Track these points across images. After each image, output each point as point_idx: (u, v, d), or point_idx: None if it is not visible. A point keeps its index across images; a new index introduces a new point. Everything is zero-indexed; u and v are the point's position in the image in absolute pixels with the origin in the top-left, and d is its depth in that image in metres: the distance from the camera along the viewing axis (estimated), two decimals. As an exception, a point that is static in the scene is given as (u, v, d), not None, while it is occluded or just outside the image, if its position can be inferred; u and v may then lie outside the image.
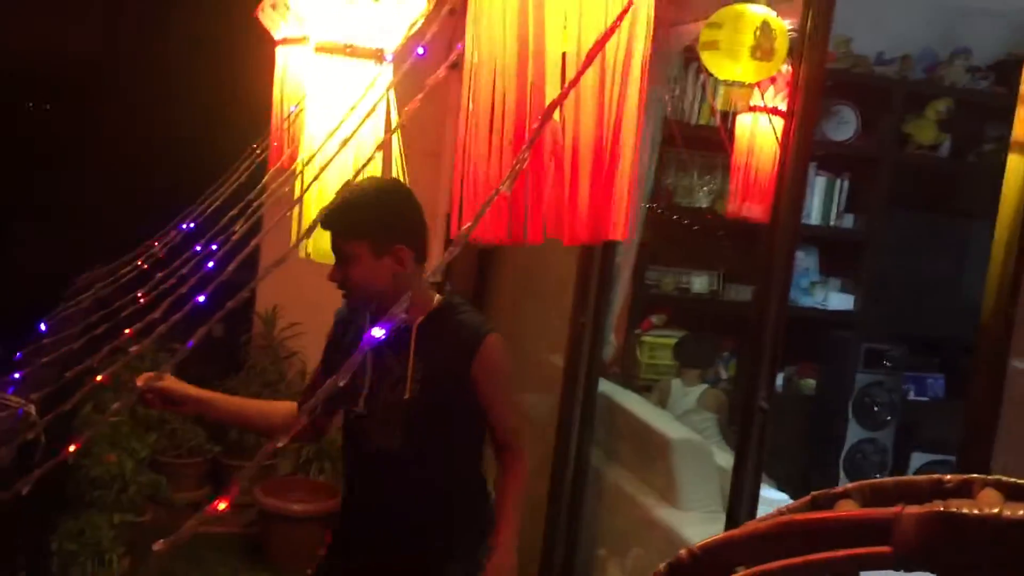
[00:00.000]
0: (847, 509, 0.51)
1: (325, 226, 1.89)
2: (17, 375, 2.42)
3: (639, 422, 3.54)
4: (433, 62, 1.72)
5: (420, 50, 1.83)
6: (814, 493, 0.56)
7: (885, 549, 0.47)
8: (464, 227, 0.85)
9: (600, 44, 0.87)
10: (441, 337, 2.04)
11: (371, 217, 1.89)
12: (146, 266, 3.00)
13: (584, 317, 3.36)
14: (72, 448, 1.34)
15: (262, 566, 4.25)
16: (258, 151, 3.14)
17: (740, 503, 2.41)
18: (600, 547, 3.54)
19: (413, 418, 2.04)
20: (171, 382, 2.17)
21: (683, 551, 0.57)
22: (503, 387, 2.09)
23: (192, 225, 3.02)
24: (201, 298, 1.79)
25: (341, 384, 0.78)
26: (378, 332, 0.88)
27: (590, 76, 1.17)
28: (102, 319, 2.67)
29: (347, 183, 1.94)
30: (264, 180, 2.72)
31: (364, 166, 1.55)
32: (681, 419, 4.06)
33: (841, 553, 0.48)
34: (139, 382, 2.13)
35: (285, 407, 2.34)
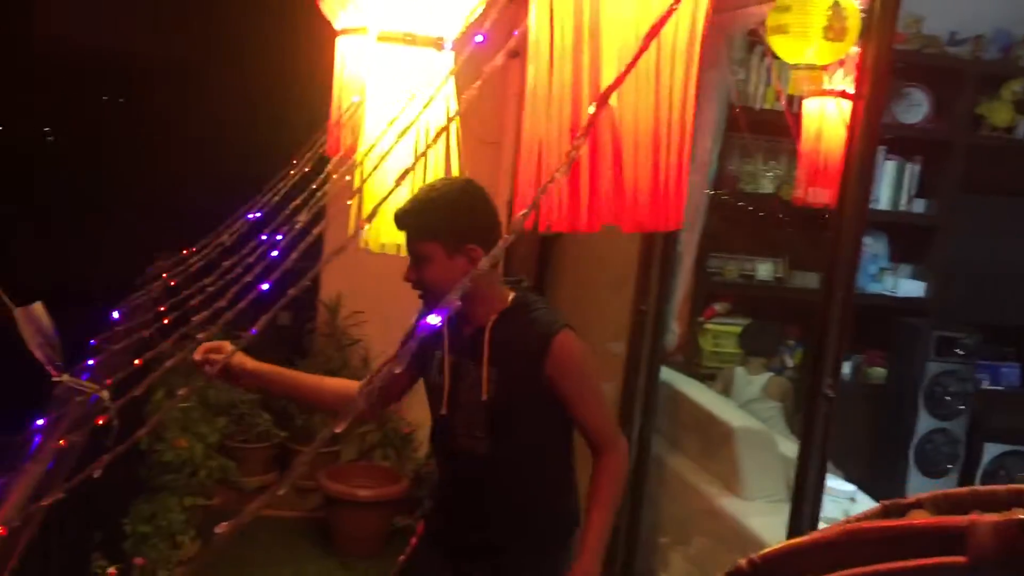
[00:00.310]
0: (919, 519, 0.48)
1: (399, 227, 1.89)
2: (91, 362, 2.49)
3: (701, 410, 3.51)
4: (493, 50, 1.72)
5: (479, 38, 1.83)
6: (884, 502, 0.54)
7: (960, 559, 0.44)
8: (518, 216, 0.85)
9: (657, 28, 0.86)
10: (513, 337, 2.01)
11: (443, 217, 1.88)
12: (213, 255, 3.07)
13: (645, 305, 3.34)
14: (142, 433, 1.38)
15: (327, 550, 4.32)
16: (321, 141, 3.18)
17: (805, 493, 2.37)
18: (662, 535, 3.52)
19: (493, 419, 2.02)
20: (237, 358, 2.20)
21: (743, 561, 0.55)
22: (583, 384, 2.03)
23: (258, 214, 3.07)
24: (265, 286, 1.82)
25: (397, 371, 0.78)
26: (433, 319, 0.88)
27: (647, 60, 1.16)
28: (171, 307, 2.74)
29: (427, 184, 1.94)
30: (326, 170, 2.75)
31: (422, 155, 1.56)
32: (745, 407, 4.02)
33: (913, 563, 0.45)
34: (197, 355, 2.17)
35: (340, 385, 2.35)
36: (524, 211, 0.85)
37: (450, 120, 1.65)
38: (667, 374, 3.67)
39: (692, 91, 1.23)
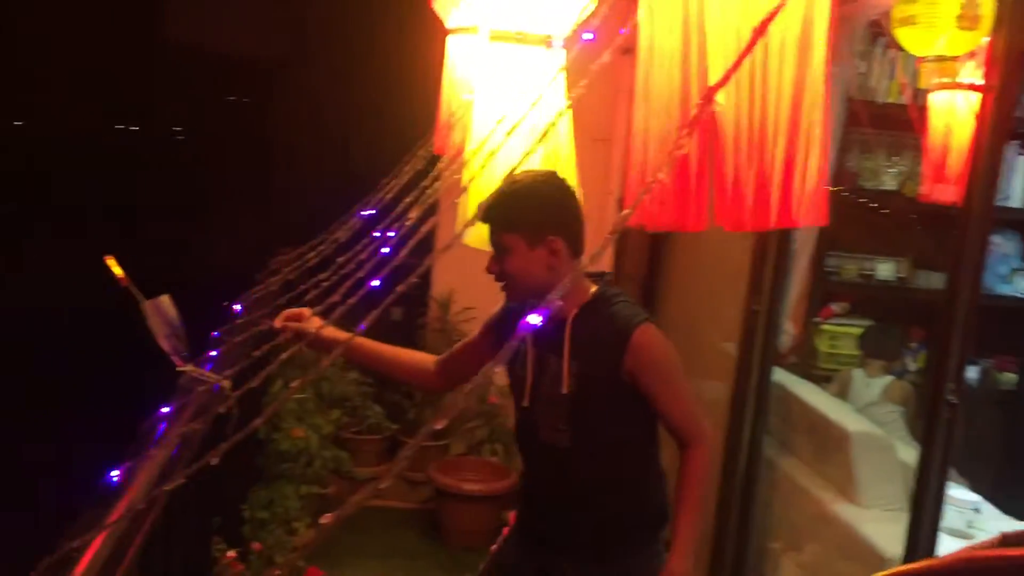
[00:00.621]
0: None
1: (482, 219, 1.90)
2: (214, 353, 2.59)
3: (816, 413, 3.42)
4: (604, 47, 1.72)
5: (588, 35, 1.83)
6: (1004, 532, 0.51)
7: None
8: (622, 214, 0.84)
9: (761, 29, 0.83)
10: (593, 330, 2.00)
11: (524, 209, 1.88)
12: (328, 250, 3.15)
13: (758, 304, 3.27)
14: (258, 422, 1.43)
15: (436, 541, 4.39)
16: (432, 140, 3.23)
17: (924, 502, 2.28)
18: (774, 540, 3.44)
19: (575, 413, 2.01)
20: (309, 325, 2.24)
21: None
22: (665, 379, 2.00)
23: (372, 211, 3.14)
24: (376, 282, 1.86)
25: (496, 369, 0.79)
26: (534, 319, 0.88)
27: (750, 59, 1.13)
28: (289, 301, 2.83)
29: (509, 177, 1.96)
30: (437, 167, 2.80)
31: (528, 153, 1.57)
32: (863, 411, 3.89)
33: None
34: (277, 321, 2.24)
35: (415, 358, 2.37)
36: (627, 211, 0.85)
37: (557, 117, 1.64)
38: (780, 375, 3.58)
39: (809, 88, 1.19)
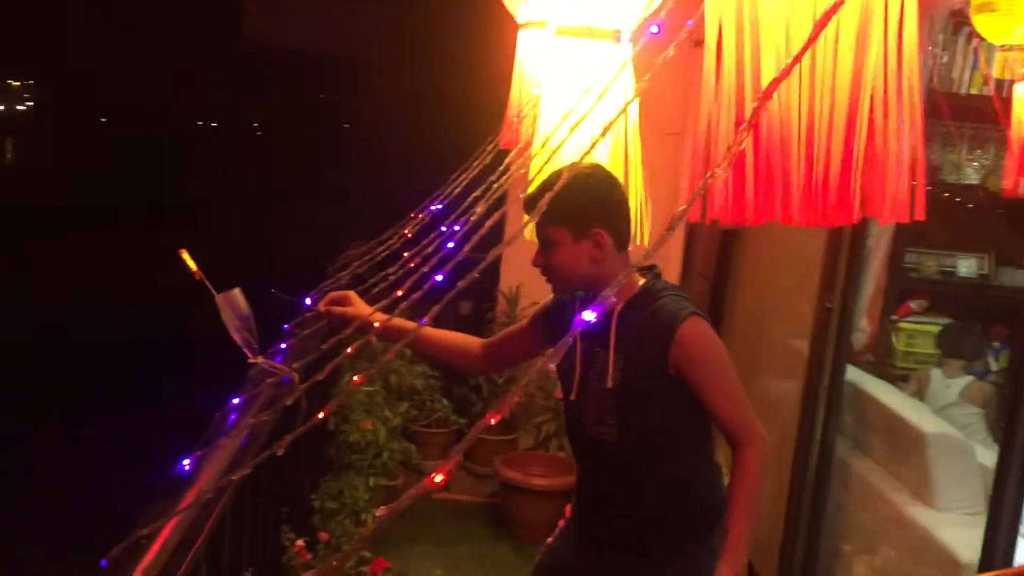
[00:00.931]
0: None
1: (526, 211, 1.89)
2: (283, 345, 2.64)
3: (891, 413, 3.33)
4: (671, 41, 1.69)
5: (654, 28, 1.81)
6: None
7: None
8: (678, 210, 0.83)
9: (827, 16, 0.81)
10: (639, 324, 1.96)
11: (568, 202, 1.83)
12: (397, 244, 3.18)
13: (831, 301, 3.20)
14: (320, 416, 1.45)
15: (502, 535, 4.41)
16: (499, 137, 3.23)
17: (1003, 506, 2.21)
18: (845, 542, 3.37)
19: (621, 408, 1.98)
20: (350, 306, 2.28)
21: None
22: (712, 374, 1.94)
23: (440, 206, 3.16)
24: (439, 277, 1.87)
25: (552, 365, 0.79)
26: (588, 316, 0.88)
27: (846, 46, 1.10)
28: (359, 295, 2.87)
29: (555, 170, 1.95)
30: (505, 161, 2.80)
31: (589, 149, 1.56)
32: (941, 412, 3.78)
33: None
34: (321, 306, 2.27)
35: (464, 342, 2.38)
36: (683, 206, 0.83)
37: (620, 112, 1.62)
38: (854, 374, 3.50)
39: (870, 82, 1.15)
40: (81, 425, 7.55)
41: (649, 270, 2.06)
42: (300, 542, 2.73)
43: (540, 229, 1.99)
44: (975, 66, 4.32)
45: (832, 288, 3.21)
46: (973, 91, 4.31)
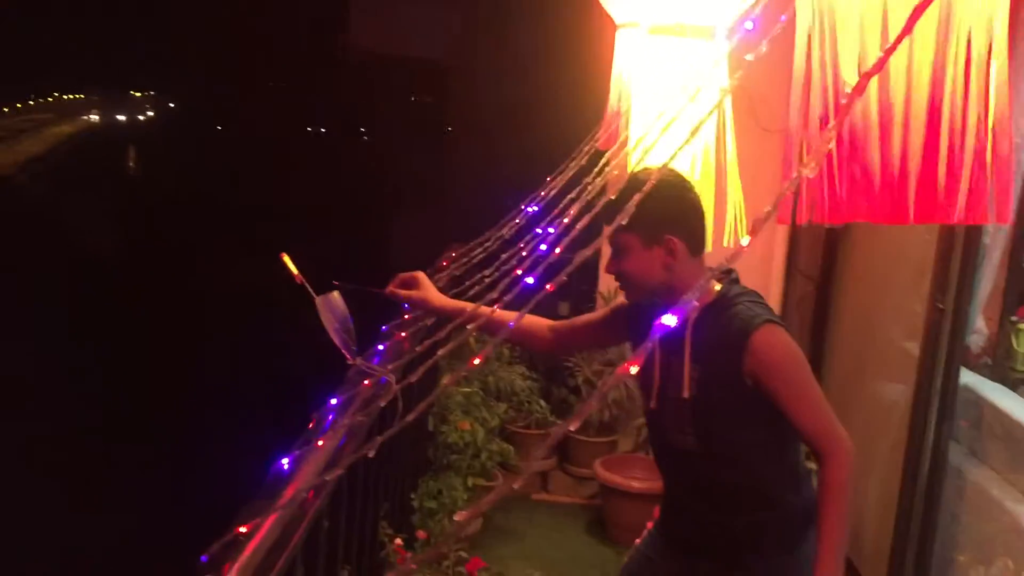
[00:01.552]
0: None
1: (603, 219, 1.85)
2: (381, 347, 2.69)
3: (1010, 419, 3.17)
4: (763, 37, 1.65)
5: (749, 24, 1.77)
6: None
7: None
8: (763, 211, 0.81)
9: (917, 13, 0.77)
10: (714, 332, 1.91)
11: (640, 208, 1.79)
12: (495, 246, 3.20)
13: (943, 302, 3.07)
14: (409, 417, 1.47)
15: (601, 537, 4.38)
16: (598, 135, 3.22)
17: None
18: (959, 552, 3.23)
19: (698, 417, 1.95)
20: (418, 289, 2.28)
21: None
22: (790, 383, 1.87)
23: (537, 208, 3.16)
24: (530, 279, 1.87)
25: (633, 373, 0.78)
26: (669, 320, 0.86)
27: (925, 40, 1.06)
28: (455, 296, 2.89)
29: (631, 174, 1.92)
30: (601, 162, 2.78)
31: (679, 149, 1.53)
32: (1065, 419, 3.58)
33: None
34: (389, 289, 2.28)
35: (533, 323, 2.34)
36: (768, 207, 0.81)
37: (710, 111, 1.59)
38: (970, 378, 3.35)
39: (1004, 71, 1.09)
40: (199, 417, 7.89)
41: (726, 275, 2.00)
42: (398, 540, 2.77)
43: (612, 236, 1.94)
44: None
45: (945, 288, 3.08)
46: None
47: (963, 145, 1.00)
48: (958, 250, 3.05)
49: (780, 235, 4.34)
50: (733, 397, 1.91)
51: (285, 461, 1.81)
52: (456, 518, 0.91)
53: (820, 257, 4.31)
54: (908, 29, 0.79)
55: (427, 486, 3.55)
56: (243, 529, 1.46)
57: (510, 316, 2.39)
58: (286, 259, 2.33)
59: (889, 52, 0.79)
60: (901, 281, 3.66)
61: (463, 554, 3.06)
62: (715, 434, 1.96)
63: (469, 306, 2.23)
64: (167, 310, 11.84)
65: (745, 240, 0.80)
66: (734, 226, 2.20)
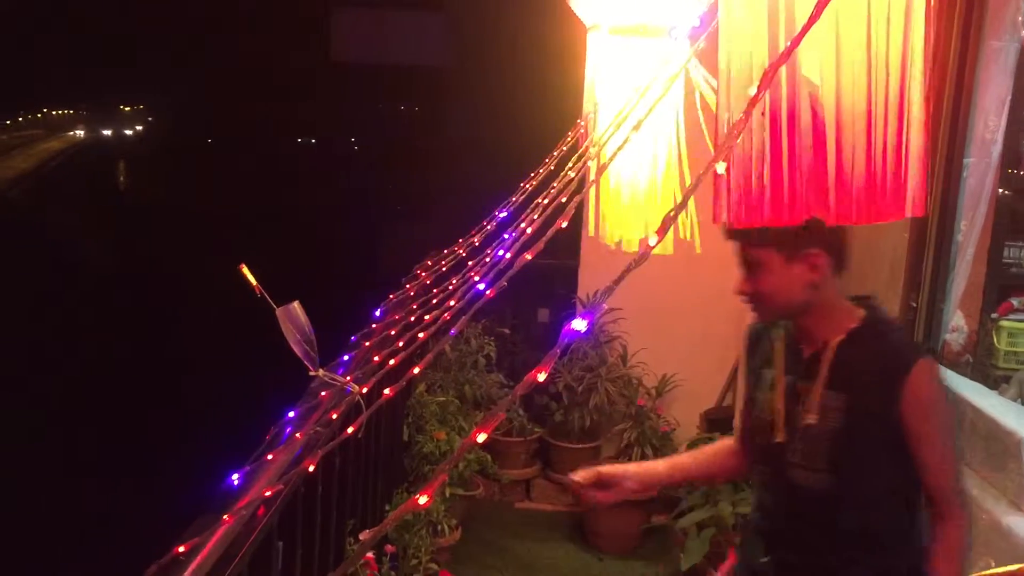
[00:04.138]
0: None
1: (728, 236, 1.70)
2: (346, 357, 2.65)
3: (986, 417, 3.14)
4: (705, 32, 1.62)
5: (696, 21, 1.74)
6: None
7: None
8: (668, 213, 0.77)
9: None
10: (863, 361, 1.75)
11: None
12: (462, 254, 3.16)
13: (916, 300, 3.04)
14: (349, 431, 1.43)
15: (583, 544, 4.34)
16: (569, 139, 3.19)
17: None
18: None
19: (838, 452, 1.76)
20: (607, 469, 2.06)
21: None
22: (936, 428, 1.72)
23: (506, 214, 3.13)
24: (480, 285, 1.83)
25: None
26: (580, 324, 0.82)
27: (856, 35, 1.03)
28: (420, 305, 2.86)
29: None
30: (567, 167, 2.75)
31: (624, 144, 1.50)
32: (1045, 416, 3.55)
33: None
34: (574, 482, 2.06)
35: (721, 450, 2.14)
36: (677, 205, 0.77)
37: (655, 104, 1.55)
38: (949, 377, 3.32)
39: (919, 66, 1.07)
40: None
41: (864, 300, 1.84)
42: (368, 554, 2.72)
43: (746, 251, 1.75)
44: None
45: (918, 286, 3.05)
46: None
47: (887, 140, 0.97)
48: (931, 248, 3.03)
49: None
50: (881, 432, 1.74)
51: (235, 476, 1.76)
52: (361, 536, 0.87)
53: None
54: (815, 18, 0.76)
55: (402, 497, 3.50)
56: (181, 549, 1.42)
57: (685, 459, 2.19)
58: (245, 271, 2.30)
59: (796, 42, 0.76)
60: (873, 279, 3.63)
61: (433, 566, 3.02)
62: (852, 473, 1.77)
63: (660, 465, 2.10)
64: (147, 319, 11.86)
65: (653, 240, 0.77)
66: (689, 225, 2.17)
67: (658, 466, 2.11)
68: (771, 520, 1.91)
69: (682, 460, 2.19)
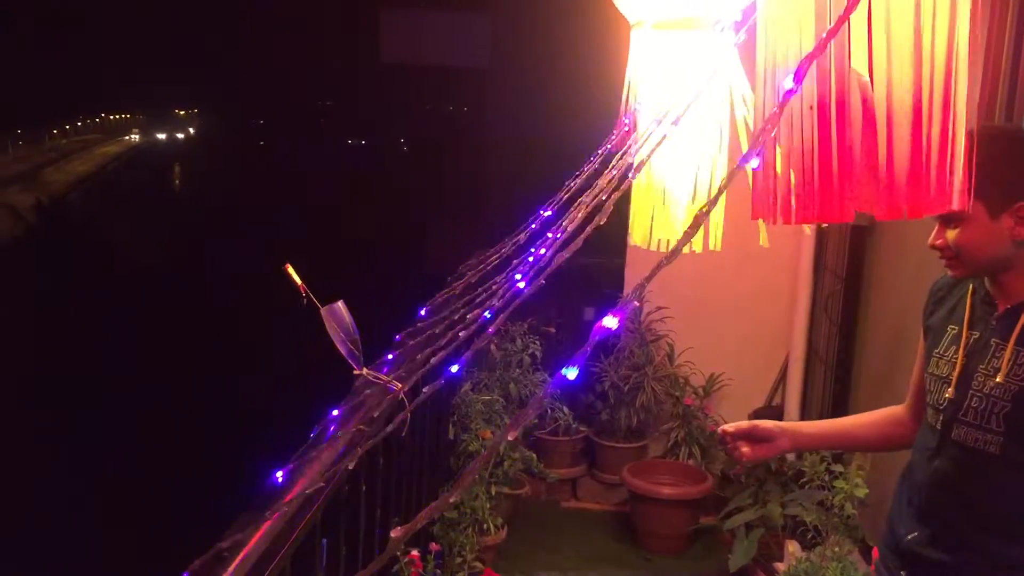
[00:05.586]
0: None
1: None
2: (390, 356, 2.66)
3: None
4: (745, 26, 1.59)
5: (737, 16, 1.71)
6: None
7: None
8: (705, 204, 0.76)
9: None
10: None
11: (990, 170, 1.37)
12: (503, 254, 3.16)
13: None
14: (388, 428, 1.43)
15: (631, 544, 4.31)
16: (614, 136, 3.17)
17: None
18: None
19: (1017, 414, 1.64)
20: (762, 422, 1.97)
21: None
22: None
23: (551, 212, 3.12)
24: (521, 284, 1.83)
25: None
26: (610, 322, 0.80)
27: (903, 23, 1.00)
28: (465, 304, 2.86)
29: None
30: (611, 164, 2.73)
31: (662, 140, 1.48)
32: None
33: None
34: (726, 432, 1.97)
35: (886, 417, 2.05)
36: (705, 204, 0.76)
37: (694, 98, 1.52)
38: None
39: (965, 47, 1.03)
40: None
41: None
42: (414, 552, 2.73)
43: None
44: None
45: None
46: None
47: (932, 134, 0.94)
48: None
49: (807, 232, 4.25)
50: None
51: (279, 474, 1.78)
52: (392, 534, 0.85)
53: (846, 254, 4.21)
54: (851, 9, 0.74)
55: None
56: (224, 545, 1.43)
57: (846, 421, 2.12)
58: (290, 270, 2.32)
59: (831, 34, 0.74)
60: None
61: (479, 564, 3.02)
62: None
63: (816, 426, 2.04)
64: (207, 320, 12.04)
65: (692, 240, 0.75)
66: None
67: (814, 427, 2.05)
68: (923, 491, 1.79)
69: (841, 423, 2.12)
